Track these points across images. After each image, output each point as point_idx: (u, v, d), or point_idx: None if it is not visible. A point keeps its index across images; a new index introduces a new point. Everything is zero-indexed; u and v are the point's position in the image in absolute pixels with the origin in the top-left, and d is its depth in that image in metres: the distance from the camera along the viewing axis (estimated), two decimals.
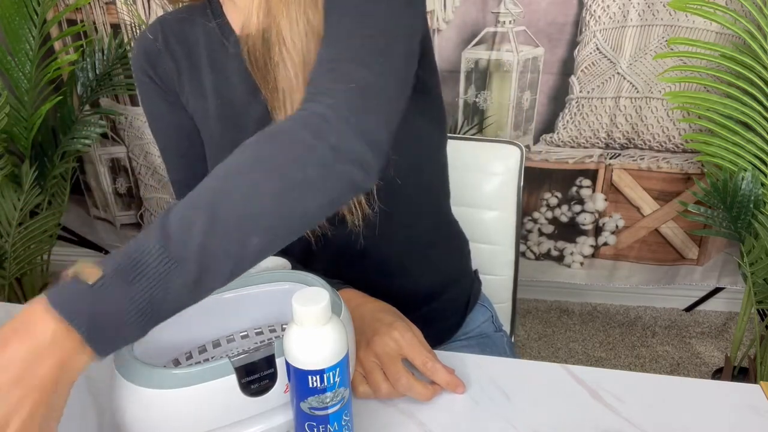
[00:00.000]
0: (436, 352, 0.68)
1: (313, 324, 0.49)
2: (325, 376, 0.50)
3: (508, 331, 1.09)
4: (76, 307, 0.44)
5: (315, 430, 0.52)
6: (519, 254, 1.06)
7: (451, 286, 0.91)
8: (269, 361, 0.54)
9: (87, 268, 0.44)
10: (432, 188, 0.88)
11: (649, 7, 1.53)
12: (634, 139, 1.71)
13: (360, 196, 0.71)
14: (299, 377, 0.50)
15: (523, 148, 1.00)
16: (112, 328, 0.44)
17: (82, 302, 0.44)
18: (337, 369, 0.50)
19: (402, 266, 0.85)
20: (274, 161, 0.51)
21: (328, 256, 0.82)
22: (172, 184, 0.89)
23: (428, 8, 1.58)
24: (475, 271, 0.98)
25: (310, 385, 0.50)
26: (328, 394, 0.51)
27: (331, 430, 0.53)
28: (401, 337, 0.66)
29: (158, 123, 0.84)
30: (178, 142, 0.84)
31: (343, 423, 0.53)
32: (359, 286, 0.77)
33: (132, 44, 1.75)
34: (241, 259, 0.50)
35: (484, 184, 1.02)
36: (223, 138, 0.79)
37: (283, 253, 0.78)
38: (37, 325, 0.43)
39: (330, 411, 0.51)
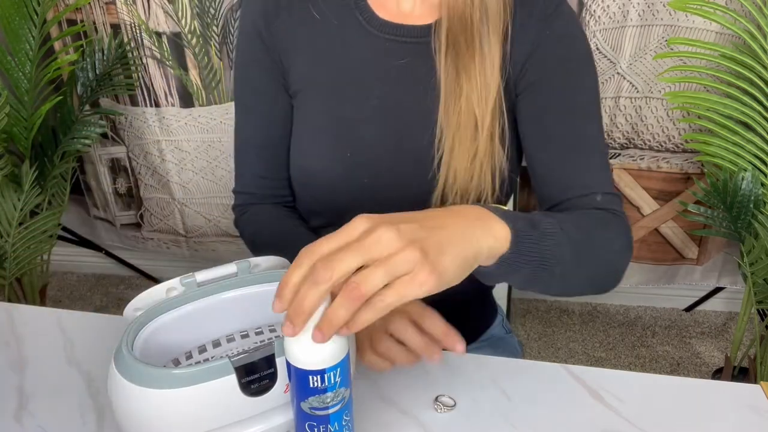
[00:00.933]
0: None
1: (314, 324, 0.49)
2: (326, 376, 0.49)
3: None
4: (501, 211, 0.57)
5: (315, 430, 0.52)
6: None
7: (477, 298, 0.91)
8: (269, 361, 0.54)
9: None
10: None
11: (649, 7, 1.53)
12: (633, 139, 1.71)
13: None
14: (300, 377, 0.50)
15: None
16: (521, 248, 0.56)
17: (514, 218, 0.57)
18: (338, 369, 0.50)
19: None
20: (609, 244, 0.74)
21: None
22: (237, 141, 0.87)
23: None
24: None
25: (311, 385, 0.50)
26: (329, 394, 0.50)
27: (332, 430, 0.52)
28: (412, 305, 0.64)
29: (246, 77, 0.83)
30: (261, 101, 0.83)
31: (344, 423, 0.53)
32: None
33: (132, 44, 1.75)
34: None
35: None
36: (329, 112, 0.79)
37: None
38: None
39: (330, 411, 0.51)
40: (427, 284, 0.46)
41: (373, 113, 0.78)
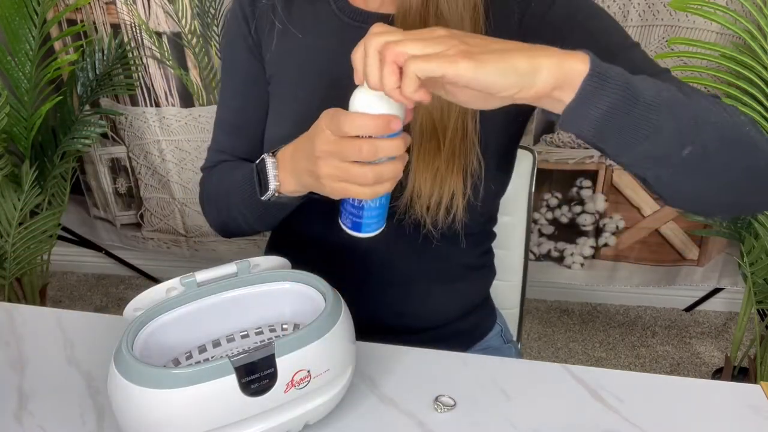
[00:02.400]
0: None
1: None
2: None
3: (515, 336, 1.08)
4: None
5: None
6: (528, 259, 1.05)
7: (468, 314, 0.90)
8: (269, 361, 0.54)
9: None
10: (493, 219, 0.89)
11: (649, 7, 1.53)
12: None
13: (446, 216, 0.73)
14: None
15: (536, 153, 1.00)
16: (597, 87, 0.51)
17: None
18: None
19: (426, 293, 0.85)
20: (730, 113, 0.59)
21: (353, 260, 0.81)
22: (216, 124, 0.87)
23: None
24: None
25: None
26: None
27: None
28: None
29: (229, 55, 0.83)
30: (239, 81, 0.83)
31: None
32: (372, 300, 0.76)
33: (132, 44, 1.75)
34: (670, 142, 0.54)
35: None
36: (295, 102, 0.78)
37: (296, 250, 0.78)
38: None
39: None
40: (461, 65, 0.47)
41: (341, 92, 0.74)
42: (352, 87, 0.63)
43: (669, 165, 0.56)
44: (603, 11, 0.72)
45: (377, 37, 0.51)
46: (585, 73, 0.50)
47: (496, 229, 0.92)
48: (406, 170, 0.69)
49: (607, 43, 0.68)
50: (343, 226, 0.64)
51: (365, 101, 0.56)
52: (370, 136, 0.56)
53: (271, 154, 0.70)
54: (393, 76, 0.50)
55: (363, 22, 0.75)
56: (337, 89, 0.72)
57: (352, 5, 0.76)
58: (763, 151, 0.59)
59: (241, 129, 0.84)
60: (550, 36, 0.65)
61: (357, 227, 0.63)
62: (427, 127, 0.69)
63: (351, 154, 0.57)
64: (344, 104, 0.58)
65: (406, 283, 0.83)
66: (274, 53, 0.79)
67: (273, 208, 0.73)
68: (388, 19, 0.73)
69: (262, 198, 0.69)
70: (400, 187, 0.72)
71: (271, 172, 0.68)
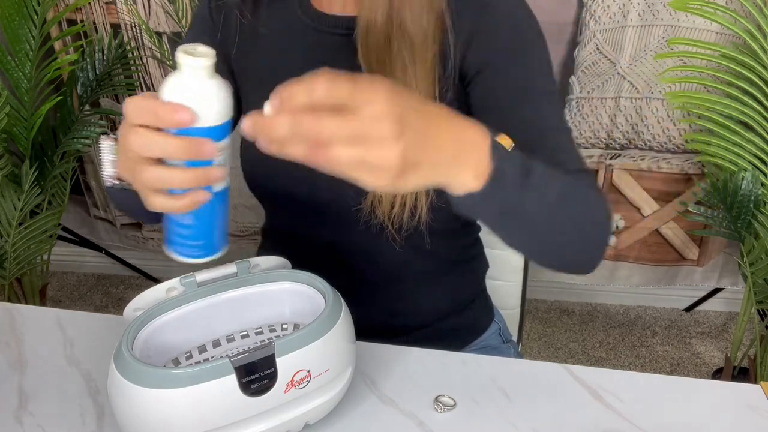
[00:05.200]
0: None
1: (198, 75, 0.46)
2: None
3: (515, 338, 1.08)
4: (501, 150, 0.53)
5: None
6: (528, 260, 1.05)
7: (463, 309, 0.90)
8: (269, 361, 0.54)
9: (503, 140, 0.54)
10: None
11: (649, 7, 1.53)
12: (634, 140, 1.71)
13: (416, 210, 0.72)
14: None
15: None
16: (500, 177, 0.52)
17: (502, 151, 0.53)
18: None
19: (415, 290, 0.84)
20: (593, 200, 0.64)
21: (340, 260, 0.81)
22: None
23: None
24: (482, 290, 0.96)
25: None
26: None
27: None
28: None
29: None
30: None
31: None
32: (364, 301, 0.76)
33: (132, 44, 1.75)
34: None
35: None
36: (262, 99, 0.76)
37: (286, 252, 0.78)
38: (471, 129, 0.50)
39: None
40: (381, 187, 0.44)
41: None
42: None
43: (520, 227, 0.60)
44: (540, 48, 0.70)
45: (310, 120, 0.41)
46: (476, 189, 0.51)
47: None
48: None
49: (522, 87, 0.69)
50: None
51: (173, 85, 0.47)
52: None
53: (112, 135, 0.59)
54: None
55: (325, 25, 0.73)
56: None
57: (313, 8, 0.74)
58: (603, 230, 0.65)
59: None
60: (479, 54, 0.69)
61: (165, 240, 0.53)
62: None
63: (128, 142, 0.48)
64: None
65: (395, 282, 0.83)
66: (239, 52, 0.78)
67: (128, 197, 0.60)
68: (350, 22, 0.70)
69: (106, 185, 0.60)
70: (363, 191, 0.71)
71: (106, 157, 0.58)
